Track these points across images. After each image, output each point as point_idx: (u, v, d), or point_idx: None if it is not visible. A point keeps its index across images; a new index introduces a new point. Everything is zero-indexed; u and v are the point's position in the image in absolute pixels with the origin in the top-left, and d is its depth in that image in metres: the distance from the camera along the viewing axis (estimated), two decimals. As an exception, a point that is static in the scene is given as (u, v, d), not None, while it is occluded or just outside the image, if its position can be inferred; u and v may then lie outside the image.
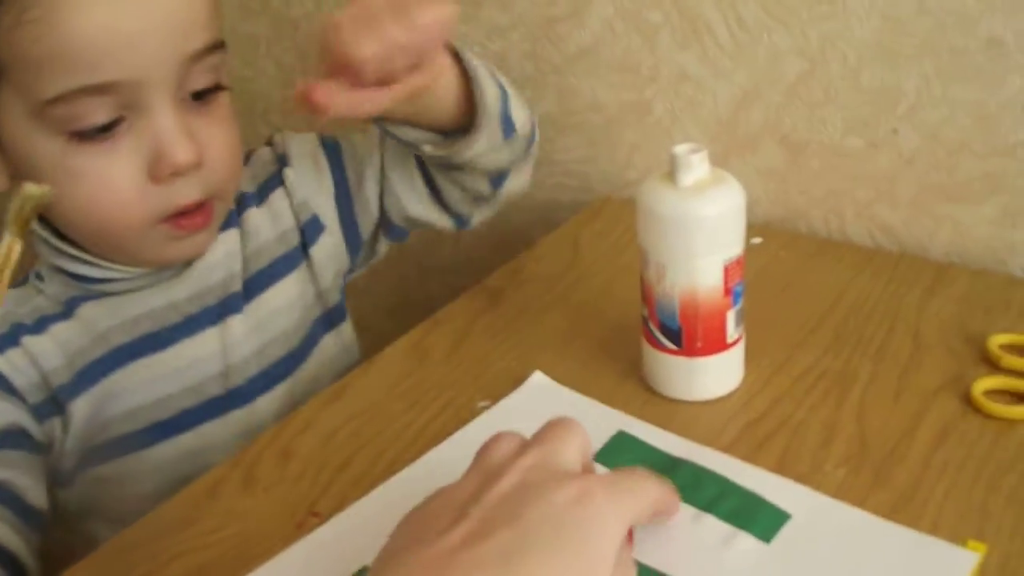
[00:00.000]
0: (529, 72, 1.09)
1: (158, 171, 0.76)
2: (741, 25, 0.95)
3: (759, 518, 0.62)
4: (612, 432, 0.71)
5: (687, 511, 0.63)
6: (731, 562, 0.60)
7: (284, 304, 0.91)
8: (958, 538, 0.60)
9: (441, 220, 0.94)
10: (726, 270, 0.71)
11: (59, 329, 0.84)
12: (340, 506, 0.68)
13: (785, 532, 0.61)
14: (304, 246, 0.93)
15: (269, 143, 0.97)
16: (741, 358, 0.75)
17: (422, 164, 0.92)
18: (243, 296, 0.89)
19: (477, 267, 1.10)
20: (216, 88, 0.80)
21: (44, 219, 0.84)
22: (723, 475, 0.66)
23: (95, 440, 0.86)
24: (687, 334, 0.72)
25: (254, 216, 0.91)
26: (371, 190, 0.94)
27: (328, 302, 0.94)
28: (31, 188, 0.55)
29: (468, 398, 0.77)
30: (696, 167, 0.70)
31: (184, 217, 0.79)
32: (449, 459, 0.69)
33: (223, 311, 0.88)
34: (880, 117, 0.92)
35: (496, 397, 0.77)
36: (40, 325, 0.84)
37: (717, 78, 0.99)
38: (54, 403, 0.83)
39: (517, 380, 0.79)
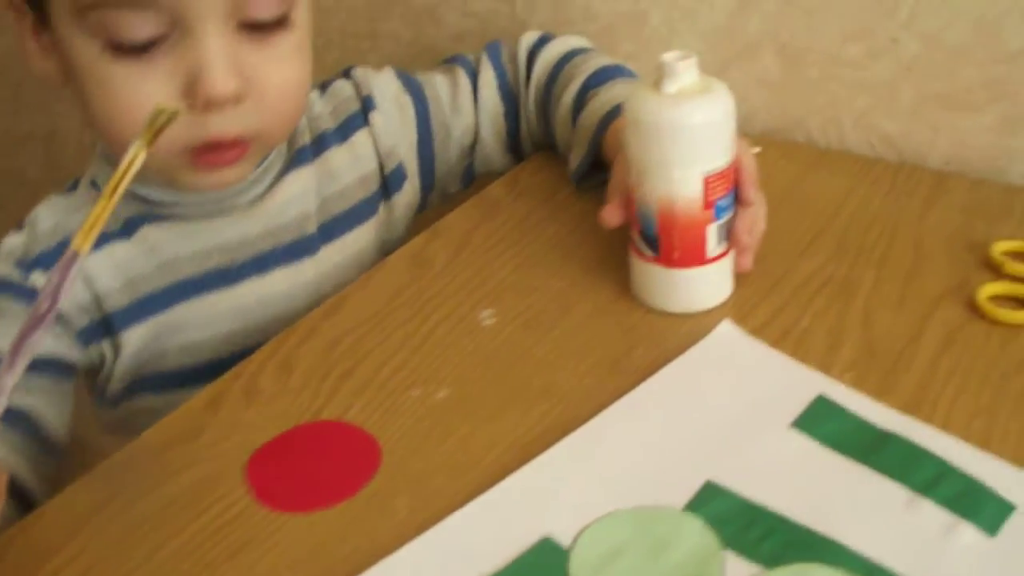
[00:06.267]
0: (522, -20, 1.07)
1: (191, 99, 0.71)
2: (738, -69, 0.93)
3: (983, 507, 0.56)
4: (812, 396, 0.64)
5: (899, 493, 0.57)
6: (953, 556, 0.54)
7: (362, 249, 0.89)
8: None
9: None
10: (706, 183, 0.69)
11: (118, 249, 0.80)
12: (344, 414, 0.68)
13: (1011, 525, 0.55)
14: (386, 193, 0.90)
15: (346, 75, 0.92)
16: (727, 274, 0.74)
17: (514, 127, 0.94)
18: (319, 238, 0.86)
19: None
20: (282, 21, 0.73)
21: None
22: (939, 455, 0.59)
23: (147, 369, 0.83)
24: (664, 243, 0.70)
25: (336, 156, 0.88)
26: (457, 146, 0.93)
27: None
28: (167, 103, 0.55)
29: (470, 308, 0.76)
30: (682, 74, 0.68)
31: (211, 152, 0.74)
32: (626, 416, 0.65)
33: (297, 252, 0.85)
34: (879, 24, 0.90)
35: (499, 308, 0.76)
36: (97, 241, 0.80)
37: (713, -15, 0.97)
38: (105, 326, 0.80)
39: (519, 292, 0.78)
